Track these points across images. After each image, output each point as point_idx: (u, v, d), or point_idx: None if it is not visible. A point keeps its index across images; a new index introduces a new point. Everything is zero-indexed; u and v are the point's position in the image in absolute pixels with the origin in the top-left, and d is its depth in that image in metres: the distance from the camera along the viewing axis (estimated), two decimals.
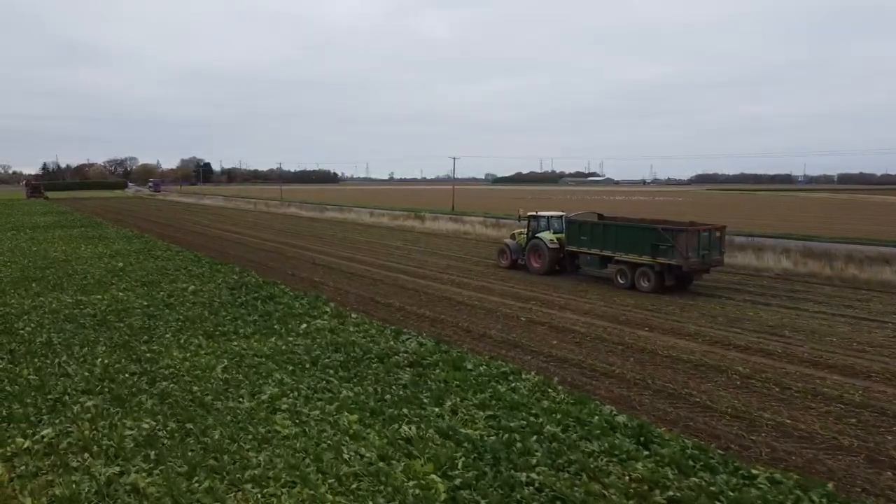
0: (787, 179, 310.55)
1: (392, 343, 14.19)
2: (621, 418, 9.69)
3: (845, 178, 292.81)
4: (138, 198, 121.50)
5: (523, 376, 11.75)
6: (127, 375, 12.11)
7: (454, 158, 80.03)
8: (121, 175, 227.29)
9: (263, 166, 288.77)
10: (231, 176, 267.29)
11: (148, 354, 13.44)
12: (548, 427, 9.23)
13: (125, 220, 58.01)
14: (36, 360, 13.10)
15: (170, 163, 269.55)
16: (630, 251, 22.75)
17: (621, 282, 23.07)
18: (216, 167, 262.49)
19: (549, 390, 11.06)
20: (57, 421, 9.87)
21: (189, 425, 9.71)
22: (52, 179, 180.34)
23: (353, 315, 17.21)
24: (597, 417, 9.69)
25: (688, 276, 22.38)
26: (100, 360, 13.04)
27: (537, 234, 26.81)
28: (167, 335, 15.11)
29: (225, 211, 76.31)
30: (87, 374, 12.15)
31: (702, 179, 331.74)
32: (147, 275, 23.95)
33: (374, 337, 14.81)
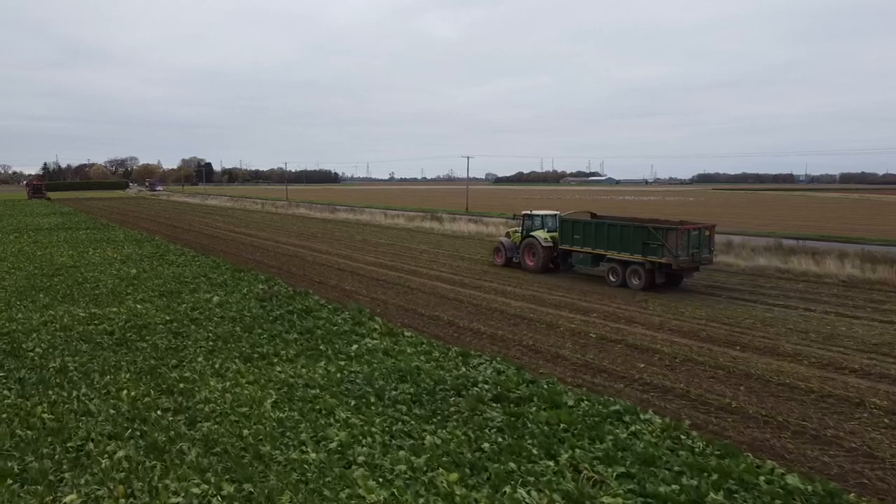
0: (789, 179, 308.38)
1: (464, 370, 12.19)
2: (792, 479, 7.70)
3: (847, 178, 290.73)
4: (141, 198, 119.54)
5: (641, 416, 9.76)
6: (160, 413, 10.15)
7: (468, 157, 77.84)
8: (122, 175, 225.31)
9: (264, 166, 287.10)
10: (232, 176, 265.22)
11: (181, 384, 11.45)
12: (711, 495, 7.24)
13: (131, 221, 56.02)
14: (50, 391, 11.12)
15: (171, 163, 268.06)
16: (621, 249, 22.87)
17: (613, 279, 23.17)
18: (216, 167, 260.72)
19: (682, 436, 9.08)
20: (82, 481, 7.89)
21: (248, 486, 7.76)
22: (53, 180, 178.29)
23: (407, 333, 15.22)
24: (763, 478, 7.71)
25: (678, 274, 22.32)
26: (125, 391, 11.07)
27: (531, 233, 26.86)
28: (199, 358, 13.14)
29: (232, 212, 74.25)
30: (112, 411, 10.19)
31: (703, 179, 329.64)
32: (164, 283, 21.97)
33: (440, 361, 12.81)
